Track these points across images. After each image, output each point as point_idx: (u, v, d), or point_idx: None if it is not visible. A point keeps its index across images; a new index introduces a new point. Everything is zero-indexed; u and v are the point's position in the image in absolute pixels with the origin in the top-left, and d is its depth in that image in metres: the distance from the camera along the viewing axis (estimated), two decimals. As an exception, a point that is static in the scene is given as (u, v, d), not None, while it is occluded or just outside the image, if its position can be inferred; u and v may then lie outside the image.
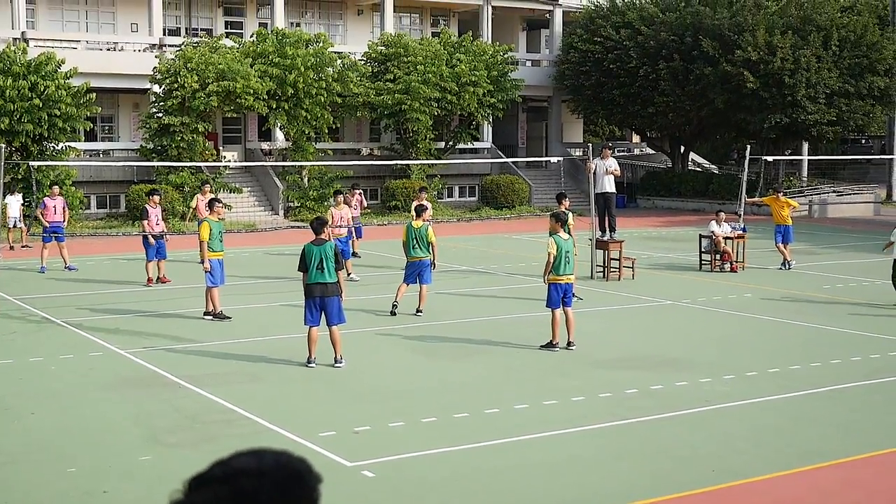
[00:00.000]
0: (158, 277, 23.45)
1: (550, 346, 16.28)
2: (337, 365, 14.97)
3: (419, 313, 19.38)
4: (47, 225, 25.74)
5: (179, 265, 25.45)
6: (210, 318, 18.80)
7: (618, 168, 26.09)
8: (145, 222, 23.49)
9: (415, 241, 19.29)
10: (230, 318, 18.84)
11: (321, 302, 14.85)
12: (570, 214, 20.75)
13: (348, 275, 24.18)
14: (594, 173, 25.40)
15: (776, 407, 12.97)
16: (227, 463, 2.17)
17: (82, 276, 25.03)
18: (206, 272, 18.64)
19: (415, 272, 19.38)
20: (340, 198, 25.86)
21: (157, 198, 23.93)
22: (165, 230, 23.80)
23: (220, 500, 2.08)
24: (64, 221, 26.16)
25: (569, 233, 16.94)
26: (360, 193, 29.47)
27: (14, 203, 30.95)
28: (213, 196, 27.18)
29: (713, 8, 46.53)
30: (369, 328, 18.10)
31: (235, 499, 2.08)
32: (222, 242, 19.17)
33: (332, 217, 24.64)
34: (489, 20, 52.01)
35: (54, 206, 25.92)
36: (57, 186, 27.02)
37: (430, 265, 19.61)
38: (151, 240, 23.16)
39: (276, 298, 21.69)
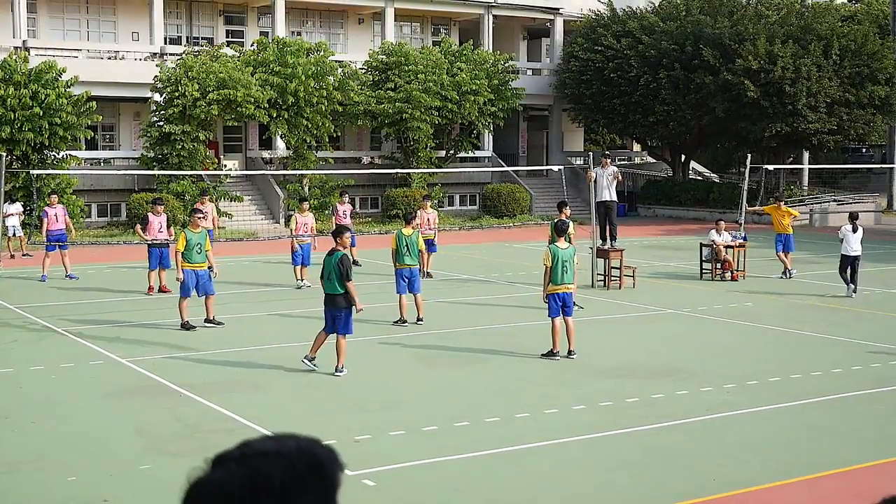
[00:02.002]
0: (160, 286, 23.44)
1: (551, 354, 16.27)
2: (337, 374, 14.98)
3: (421, 321, 19.38)
4: (43, 238, 25.77)
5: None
6: (184, 329, 18.61)
7: (618, 173, 26.07)
8: (140, 228, 23.53)
9: (406, 249, 19.29)
10: (195, 328, 18.59)
11: (331, 311, 14.93)
12: (571, 223, 20.78)
13: (301, 280, 24.29)
14: (594, 182, 25.41)
15: (777, 416, 12.96)
16: (249, 444, 2.16)
17: (83, 284, 25.01)
18: (179, 282, 18.59)
19: (405, 281, 19.33)
20: (305, 204, 25.81)
21: (160, 207, 23.83)
22: (169, 238, 23.74)
23: (233, 479, 2.07)
24: (67, 229, 26.10)
25: (569, 241, 16.92)
26: (348, 202, 29.38)
27: (13, 212, 30.95)
28: (210, 206, 27.35)
29: (714, 17, 46.58)
30: (369, 337, 18.08)
31: (249, 480, 2.06)
32: (201, 254, 18.91)
33: (297, 224, 24.69)
34: (490, 29, 52.07)
35: (55, 215, 25.86)
36: (55, 195, 26.98)
37: (418, 273, 19.65)
38: (147, 237, 23.16)
39: (277, 307, 21.68)
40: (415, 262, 19.44)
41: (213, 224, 27.50)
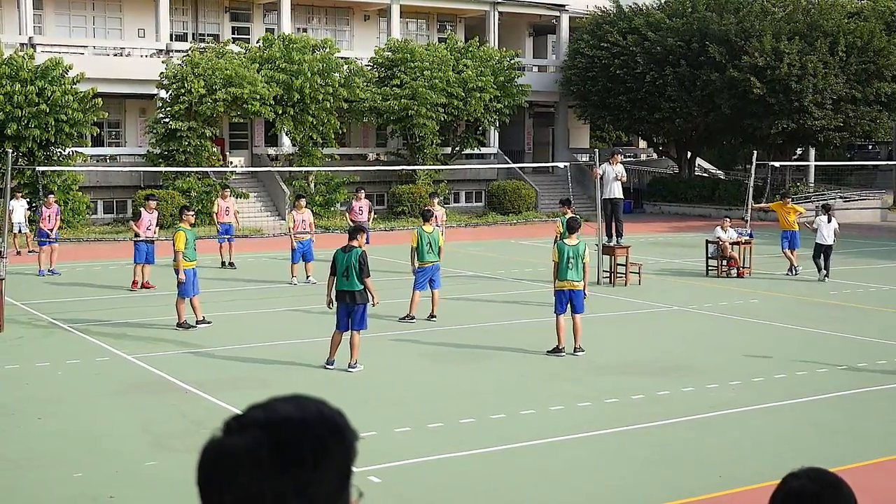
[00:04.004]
0: (143, 283, 23.64)
1: (556, 351, 16.26)
2: (350, 369, 15.00)
3: (433, 318, 19.39)
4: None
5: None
6: (182, 328, 18.37)
7: (624, 173, 26.05)
8: (133, 223, 23.86)
9: (427, 246, 19.33)
10: (194, 326, 18.46)
11: (347, 308, 14.94)
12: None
13: (307, 277, 24.33)
14: (602, 178, 25.36)
15: (783, 413, 12.95)
16: (269, 407, 2.09)
17: (89, 281, 25.07)
18: (180, 282, 18.27)
19: (426, 277, 19.40)
20: (302, 201, 25.93)
21: (153, 203, 24.28)
22: (155, 235, 23.86)
23: (260, 446, 2.00)
24: (54, 228, 26.53)
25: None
26: (364, 197, 29.36)
27: (19, 208, 31.01)
28: (231, 199, 27.70)
29: (720, 14, 46.52)
30: (376, 333, 18.05)
31: (276, 447, 2.01)
32: (196, 251, 18.93)
33: (294, 221, 24.77)
34: (496, 26, 52.03)
35: (49, 216, 26.40)
36: (52, 196, 27.46)
37: (440, 269, 19.70)
38: (139, 232, 23.38)
39: (283, 304, 21.68)
40: (437, 258, 19.52)
41: (235, 218, 28.06)
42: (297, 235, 24.60)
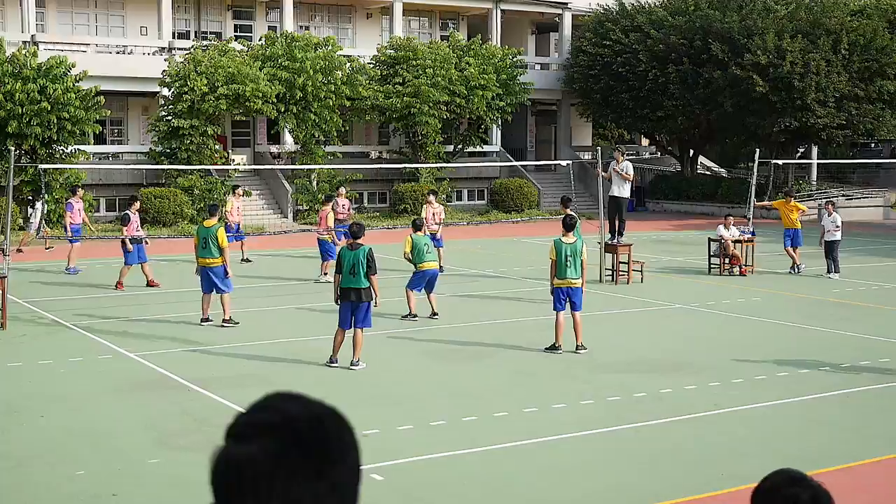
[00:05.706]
0: (147, 281, 23.64)
1: (553, 348, 16.28)
2: (353, 367, 15.00)
3: (436, 316, 19.41)
4: (61, 232, 26.44)
5: (184, 266, 25.42)
6: (229, 324, 18.51)
7: (630, 170, 25.92)
8: (125, 228, 23.84)
9: (425, 247, 19.35)
10: (211, 321, 18.56)
11: (352, 306, 14.93)
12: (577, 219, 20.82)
13: (324, 274, 24.41)
14: (610, 179, 25.33)
15: (785, 411, 12.95)
16: (274, 408, 2.06)
17: (91, 279, 25.08)
18: (228, 277, 18.47)
19: (424, 280, 19.38)
20: (329, 203, 26.22)
21: (137, 204, 24.59)
22: (143, 234, 23.92)
23: (289, 450, 1.97)
24: (84, 224, 26.82)
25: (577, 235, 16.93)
26: (346, 195, 29.39)
27: (38, 209, 31.08)
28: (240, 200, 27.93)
29: (723, 11, 46.47)
30: (378, 332, 18.05)
31: (306, 447, 1.97)
32: None
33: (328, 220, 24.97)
34: (498, 23, 52.02)
35: (79, 210, 26.67)
36: (81, 190, 27.71)
37: (438, 276, 19.79)
38: (129, 245, 23.30)
39: (285, 302, 21.70)
40: (437, 260, 19.70)
41: (238, 218, 28.37)
42: (331, 233, 24.80)
